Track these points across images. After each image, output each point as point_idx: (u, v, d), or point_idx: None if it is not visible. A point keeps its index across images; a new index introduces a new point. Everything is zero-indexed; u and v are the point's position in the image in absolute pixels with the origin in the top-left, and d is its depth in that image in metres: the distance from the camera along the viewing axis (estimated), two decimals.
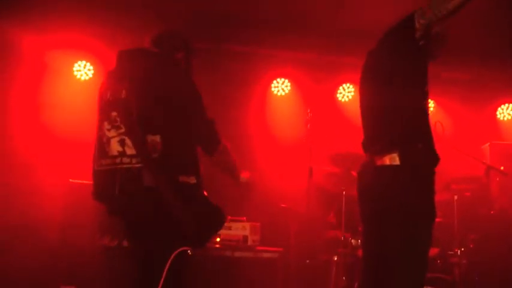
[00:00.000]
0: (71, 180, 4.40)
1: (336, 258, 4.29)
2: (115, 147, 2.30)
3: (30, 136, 5.21)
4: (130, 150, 2.27)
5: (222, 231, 4.53)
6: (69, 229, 4.41)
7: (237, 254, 4.36)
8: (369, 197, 2.59)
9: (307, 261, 4.63)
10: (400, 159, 2.42)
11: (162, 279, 2.21)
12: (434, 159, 2.52)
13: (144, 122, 2.26)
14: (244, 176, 2.76)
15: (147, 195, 2.23)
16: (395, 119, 2.55)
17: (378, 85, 2.66)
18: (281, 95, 6.19)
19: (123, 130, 2.29)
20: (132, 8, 5.03)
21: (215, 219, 2.47)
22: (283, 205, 4.75)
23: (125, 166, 2.27)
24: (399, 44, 2.56)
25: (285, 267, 4.51)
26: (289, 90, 6.17)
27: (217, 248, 4.42)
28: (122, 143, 2.28)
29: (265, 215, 4.89)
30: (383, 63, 2.66)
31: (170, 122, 2.32)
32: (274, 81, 6.18)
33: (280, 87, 6.18)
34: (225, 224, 4.53)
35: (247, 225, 4.49)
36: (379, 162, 2.49)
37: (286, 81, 6.17)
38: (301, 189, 4.51)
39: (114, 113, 2.32)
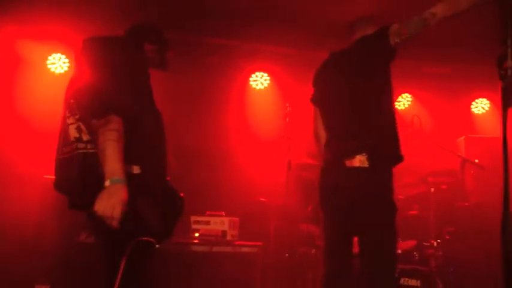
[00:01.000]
0: (45, 176, 4.32)
1: (314, 251, 4.31)
2: (73, 133, 2.31)
3: (3, 130, 5.10)
4: (86, 136, 2.27)
5: (201, 227, 4.52)
6: (44, 227, 4.34)
7: (216, 249, 4.34)
8: (339, 195, 2.75)
9: (286, 254, 4.64)
10: (369, 162, 2.60)
11: (121, 272, 2.16)
12: (398, 160, 2.72)
13: (90, 105, 2.23)
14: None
15: (101, 182, 2.14)
16: (366, 122, 2.70)
17: (350, 88, 2.78)
18: (260, 89, 6.17)
19: (78, 116, 2.30)
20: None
21: (167, 213, 2.42)
22: (262, 199, 4.75)
23: (81, 151, 2.27)
24: (372, 51, 2.71)
25: (264, 261, 4.51)
26: (268, 84, 6.17)
27: (195, 243, 4.40)
28: (79, 129, 2.29)
29: (244, 209, 4.89)
30: (356, 67, 2.78)
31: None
32: (254, 75, 6.17)
33: (260, 81, 6.16)
34: (204, 219, 4.55)
35: (225, 220, 4.48)
36: (348, 164, 2.66)
37: (266, 75, 6.16)
38: (280, 183, 4.51)
39: (72, 101, 2.34)
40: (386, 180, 2.68)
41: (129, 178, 2.16)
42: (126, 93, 2.27)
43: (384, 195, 2.67)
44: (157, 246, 2.31)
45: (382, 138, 2.69)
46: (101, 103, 2.18)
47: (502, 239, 1.72)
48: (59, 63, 5.48)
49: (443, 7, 2.46)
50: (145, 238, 2.24)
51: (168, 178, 2.49)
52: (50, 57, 5.48)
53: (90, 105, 2.21)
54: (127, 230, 2.16)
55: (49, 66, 5.48)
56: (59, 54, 5.48)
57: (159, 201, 2.38)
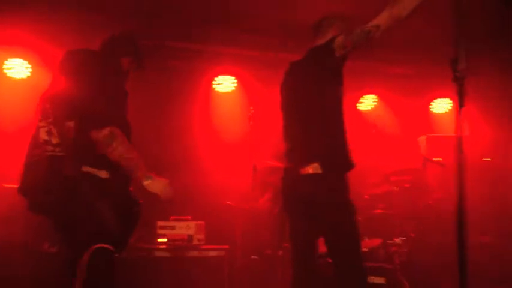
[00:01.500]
0: (4, 185, 4.20)
1: (281, 253, 4.32)
2: (42, 136, 2.40)
3: None
4: (55, 140, 2.38)
5: (167, 232, 4.47)
6: (6, 236, 4.21)
7: (182, 253, 4.32)
8: (297, 201, 2.91)
9: (254, 257, 4.64)
10: (322, 169, 2.75)
11: (81, 279, 2.19)
12: (349, 168, 2.85)
13: (64, 108, 2.40)
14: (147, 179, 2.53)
15: (66, 185, 2.27)
16: (317, 132, 2.85)
17: (303, 99, 2.93)
18: (225, 92, 6.16)
19: (51, 120, 2.40)
20: (73, 5, 4.83)
21: (127, 219, 2.49)
22: (228, 202, 4.74)
23: (48, 154, 2.36)
24: (321, 64, 2.83)
25: (232, 264, 4.50)
26: (233, 88, 6.16)
27: (161, 248, 4.36)
28: (49, 132, 2.40)
29: (210, 213, 4.87)
30: (306, 79, 2.92)
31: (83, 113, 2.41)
32: (218, 78, 6.15)
33: (225, 84, 6.15)
34: (169, 224, 4.51)
35: (192, 224, 4.46)
36: (302, 171, 2.80)
37: (232, 78, 6.14)
38: (245, 186, 4.51)
39: (47, 105, 2.45)
40: (340, 185, 2.81)
41: (96, 182, 2.25)
42: (113, 107, 2.49)
43: (338, 197, 2.80)
44: (116, 255, 2.32)
45: (333, 147, 2.83)
46: (101, 115, 2.38)
47: (457, 233, 1.78)
48: (20, 68, 5.29)
49: (386, 19, 2.54)
50: (103, 245, 2.27)
51: (131, 189, 2.57)
52: (6, 62, 5.29)
53: (90, 117, 2.38)
54: (89, 231, 2.22)
55: (5, 71, 5.28)
56: (19, 60, 5.28)
57: (120, 207, 2.41)
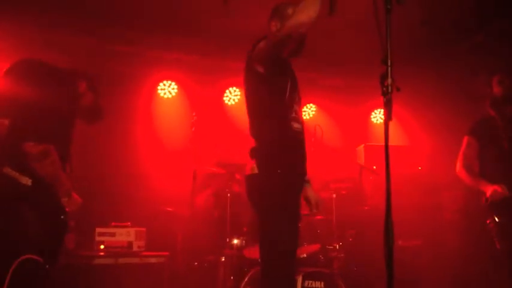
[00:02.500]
0: None
1: (223, 259, 4.34)
2: None
3: None
4: None
5: (106, 238, 4.39)
6: None
7: (122, 260, 4.24)
8: (248, 201, 2.89)
9: (196, 263, 4.63)
10: (258, 169, 2.74)
11: None
12: (282, 166, 2.76)
13: (2, 104, 2.42)
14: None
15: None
16: (256, 131, 2.86)
17: (247, 101, 2.95)
18: (168, 97, 6.14)
19: None
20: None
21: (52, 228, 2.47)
22: (168, 209, 4.71)
23: None
24: (247, 70, 2.89)
25: (173, 271, 4.47)
26: (175, 93, 6.15)
27: (100, 255, 4.27)
28: None
29: (151, 219, 4.83)
30: (246, 81, 2.94)
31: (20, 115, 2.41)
32: (161, 84, 6.12)
33: (167, 89, 6.13)
34: (109, 231, 4.43)
35: (132, 230, 4.39)
36: (247, 172, 2.83)
37: (173, 83, 6.14)
38: (186, 192, 4.51)
39: None
40: (275, 184, 2.74)
41: (15, 186, 2.20)
42: (58, 123, 2.51)
43: (269, 200, 2.74)
44: (47, 266, 2.25)
45: (266, 145, 2.81)
46: (42, 130, 2.37)
47: (384, 237, 1.88)
48: None
49: (288, 22, 2.58)
50: (31, 256, 2.19)
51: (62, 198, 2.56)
52: None
53: (31, 127, 2.37)
54: (13, 242, 2.16)
55: None
56: None
57: (47, 216, 2.36)
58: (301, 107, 3.01)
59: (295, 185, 2.84)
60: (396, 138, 6.67)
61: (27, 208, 2.28)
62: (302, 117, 2.98)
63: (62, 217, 2.49)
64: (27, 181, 2.33)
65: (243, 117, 3.05)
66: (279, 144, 2.82)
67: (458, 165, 3.85)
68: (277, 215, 2.71)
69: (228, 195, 4.41)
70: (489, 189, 3.55)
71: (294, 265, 2.73)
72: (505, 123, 3.70)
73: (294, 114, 2.84)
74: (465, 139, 3.86)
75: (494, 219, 3.58)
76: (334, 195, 4.68)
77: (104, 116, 3.04)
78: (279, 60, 2.80)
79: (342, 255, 4.49)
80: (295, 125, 2.84)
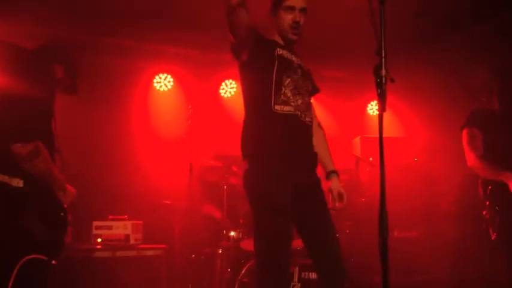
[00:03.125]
0: None
1: (220, 251, 4.36)
2: None
3: None
4: None
5: (103, 232, 4.40)
6: None
7: (119, 253, 4.26)
8: None
9: (193, 255, 4.65)
10: (248, 164, 2.68)
11: None
12: (265, 154, 2.69)
13: (16, 129, 2.30)
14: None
15: None
16: (244, 125, 2.79)
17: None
18: (164, 90, 6.13)
19: None
20: None
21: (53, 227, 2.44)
22: (165, 202, 4.72)
23: None
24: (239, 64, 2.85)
25: (170, 263, 4.49)
26: (171, 86, 6.14)
27: (98, 248, 4.28)
28: None
29: (148, 212, 4.84)
30: (239, 76, 2.91)
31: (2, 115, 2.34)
32: (157, 77, 6.11)
33: (163, 82, 6.12)
34: (106, 224, 4.44)
35: (128, 223, 4.41)
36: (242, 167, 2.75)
37: (169, 76, 6.13)
38: (182, 185, 4.52)
39: None
40: (254, 173, 2.67)
41: (7, 191, 2.16)
42: (40, 113, 2.41)
43: (252, 186, 2.67)
44: (53, 262, 2.24)
45: (248, 139, 2.76)
46: (28, 127, 2.29)
47: (379, 227, 1.90)
48: None
49: None
50: (35, 256, 2.18)
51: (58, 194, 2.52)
52: None
53: (16, 128, 2.28)
54: (13, 247, 2.12)
55: None
56: None
57: (45, 215, 2.33)
58: (303, 88, 2.91)
59: (276, 171, 2.65)
60: (392, 129, 6.69)
61: (24, 210, 2.23)
62: (302, 100, 2.84)
63: (62, 214, 2.46)
64: (18, 183, 2.25)
65: (239, 110, 3.01)
66: (257, 129, 2.73)
67: (472, 157, 3.62)
68: (258, 204, 2.64)
69: (225, 187, 4.42)
70: None
71: (287, 256, 2.61)
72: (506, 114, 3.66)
73: (282, 97, 2.70)
74: (467, 131, 3.70)
75: (494, 209, 3.51)
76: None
77: (77, 91, 2.83)
78: (257, 42, 2.77)
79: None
80: (284, 108, 2.69)
